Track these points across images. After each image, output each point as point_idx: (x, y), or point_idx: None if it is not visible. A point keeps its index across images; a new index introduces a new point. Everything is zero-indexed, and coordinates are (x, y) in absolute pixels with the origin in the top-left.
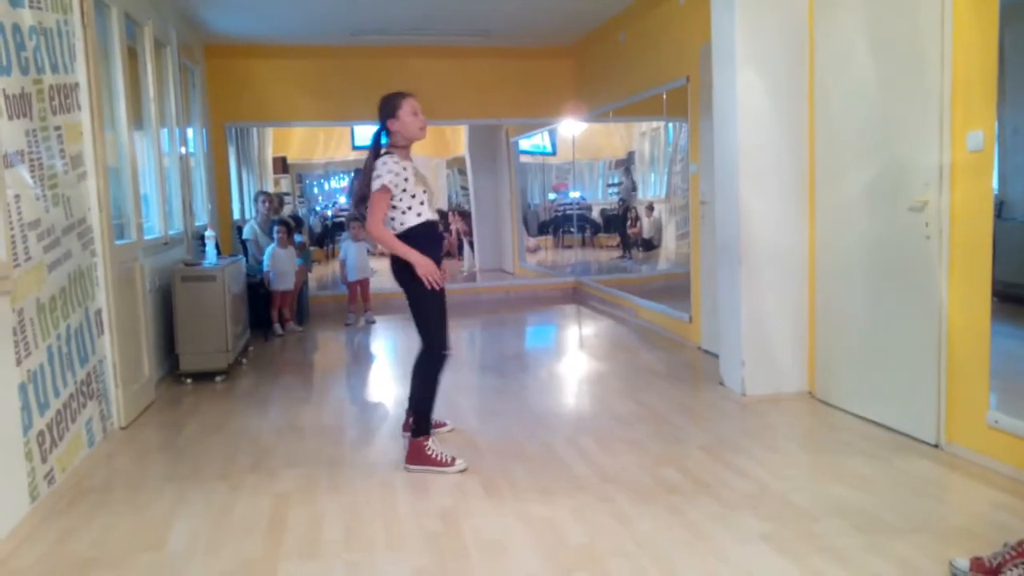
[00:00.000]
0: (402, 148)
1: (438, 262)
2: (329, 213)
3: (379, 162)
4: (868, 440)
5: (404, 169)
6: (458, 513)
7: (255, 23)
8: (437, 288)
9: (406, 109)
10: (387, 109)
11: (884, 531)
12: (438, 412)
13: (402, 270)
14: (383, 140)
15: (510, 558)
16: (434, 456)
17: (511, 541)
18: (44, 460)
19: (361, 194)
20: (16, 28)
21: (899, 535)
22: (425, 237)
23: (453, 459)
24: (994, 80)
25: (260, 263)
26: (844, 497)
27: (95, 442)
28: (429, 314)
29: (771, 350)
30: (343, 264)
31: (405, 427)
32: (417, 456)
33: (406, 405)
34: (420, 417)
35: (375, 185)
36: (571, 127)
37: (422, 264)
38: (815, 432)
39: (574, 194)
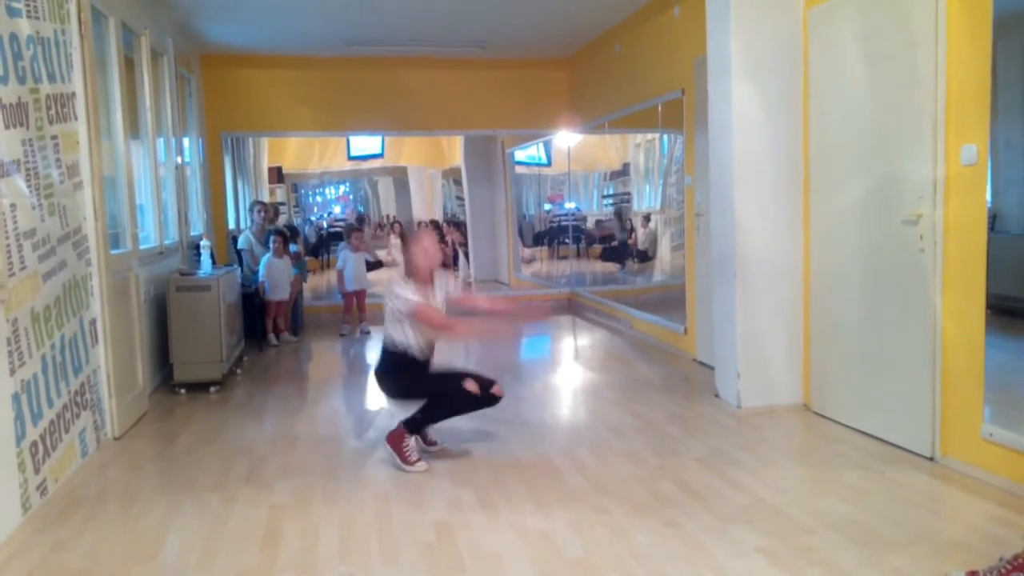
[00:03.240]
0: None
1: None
2: (324, 223)
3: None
4: (863, 453)
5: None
6: (453, 525)
7: (251, 33)
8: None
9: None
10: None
11: (880, 544)
12: (437, 429)
13: (388, 377)
14: None
15: (505, 571)
16: (406, 451)
17: (506, 554)
18: (37, 471)
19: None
20: (14, 37)
21: (895, 548)
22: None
23: (418, 461)
24: (987, 94)
25: (255, 273)
26: (839, 510)
27: (88, 453)
28: (445, 385)
29: (766, 362)
30: (340, 274)
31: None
32: (397, 441)
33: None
34: (420, 420)
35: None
36: (567, 138)
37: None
38: (810, 445)
39: (569, 205)
